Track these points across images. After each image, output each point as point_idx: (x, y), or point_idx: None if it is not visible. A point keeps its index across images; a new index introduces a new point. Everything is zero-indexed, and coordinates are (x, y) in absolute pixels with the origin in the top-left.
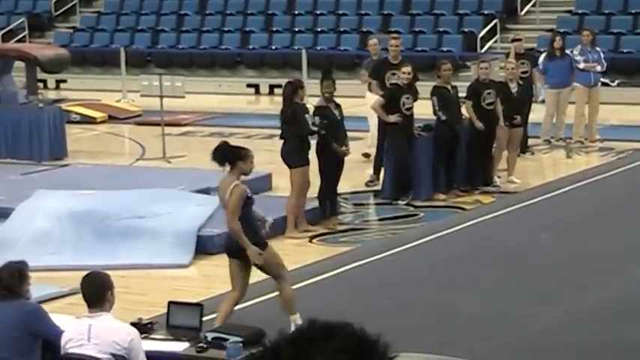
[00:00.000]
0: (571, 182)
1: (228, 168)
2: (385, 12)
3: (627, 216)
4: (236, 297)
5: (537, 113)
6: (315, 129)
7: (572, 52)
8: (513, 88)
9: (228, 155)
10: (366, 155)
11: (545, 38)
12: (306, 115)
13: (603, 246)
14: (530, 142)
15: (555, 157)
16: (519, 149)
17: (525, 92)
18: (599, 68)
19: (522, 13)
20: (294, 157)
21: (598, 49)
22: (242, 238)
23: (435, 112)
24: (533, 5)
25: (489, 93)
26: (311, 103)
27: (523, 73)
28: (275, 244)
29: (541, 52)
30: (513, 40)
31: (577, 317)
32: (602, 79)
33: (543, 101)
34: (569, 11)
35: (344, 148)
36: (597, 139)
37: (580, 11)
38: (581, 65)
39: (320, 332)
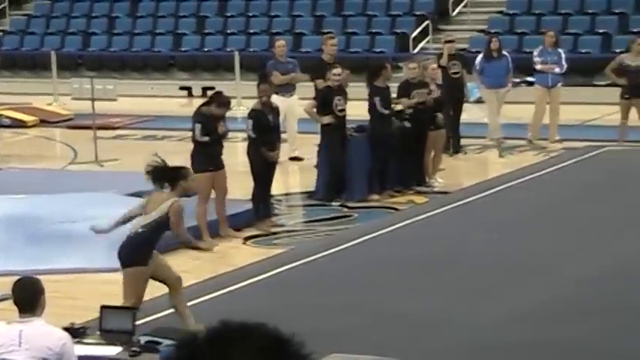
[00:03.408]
0: (504, 182)
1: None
2: (318, 13)
3: (560, 214)
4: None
5: (470, 113)
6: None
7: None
8: (434, 89)
9: (167, 177)
10: (296, 159)
11: (477, 39)
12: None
13: (537, 245)
14: (463, 142)
15: (488, 157)
16: (453, 149)
17: (456, 92)
18: (557, 70)
19: (454, 13)
20: (196, 161)
21: (560, 50)
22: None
23: (375, 110)
24: (465, 6)
25: (419, 93)
26: (245, 105)
27: (454, 73)
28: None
29: (472, 53)
30: (446, 42)
31: (513, 317)
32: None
33: (476, 101)
34: (501, 12)
35: (273, 152)
36: (557, 140)
37: (511, 12)
38: (538, 66)
39: (236, 332)
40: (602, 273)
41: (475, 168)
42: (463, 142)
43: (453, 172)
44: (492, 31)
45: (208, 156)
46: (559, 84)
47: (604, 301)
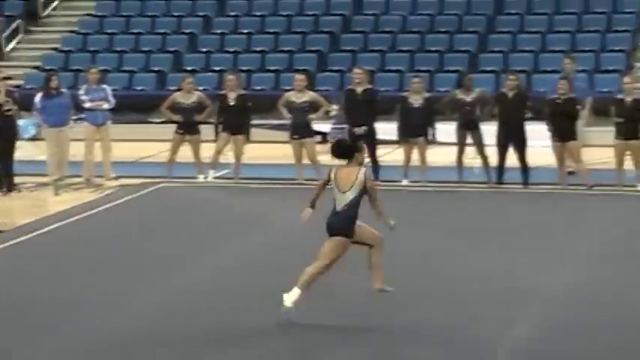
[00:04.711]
0: (60, 219)
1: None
2: None
3: (116, 251)
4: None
5: (24, 151)
6: None
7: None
8: None
9: (350, 149)
10: None
11: (32, 75)
12: None
13: (96, 281)
14: (18, 179)
15: (44, 195)
16: (6, 188)
17: (9, 130)
18: (106, 106)
19: (8, 49)
20: None
21: (104, 86)
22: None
23: None
24: (19, 42)
25: None
26: None
27: (7, 111)
28: None
29: (28, 90)
30: (3, 79)
31: (76, 352)
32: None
33: (31, 139)
34: (55, 49)
35: None
36: (113, 177)
37: (66, 49)
38: (87, 104)
39: None
40: (158, 308)
41: (30, 206)
42: (17, 180)
43: (6, 211)
44: (47, 68)
45: None
46: (108, 121)
47: (167, 334)
